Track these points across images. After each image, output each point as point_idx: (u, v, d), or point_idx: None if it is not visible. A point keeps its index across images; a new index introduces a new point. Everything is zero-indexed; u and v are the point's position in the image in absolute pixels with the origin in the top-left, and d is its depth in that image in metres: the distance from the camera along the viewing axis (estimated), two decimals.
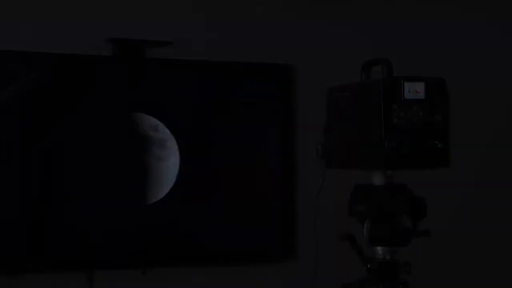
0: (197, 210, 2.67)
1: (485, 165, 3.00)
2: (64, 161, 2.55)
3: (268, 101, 2.74)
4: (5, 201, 2.46)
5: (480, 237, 2.99)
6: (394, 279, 1.62)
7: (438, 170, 1.60)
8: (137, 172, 2.58)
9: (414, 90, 1.57)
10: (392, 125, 1.55)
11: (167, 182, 2.60)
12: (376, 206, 1.59)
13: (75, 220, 2.55)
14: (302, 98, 2.77)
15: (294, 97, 2.75)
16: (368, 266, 1.62)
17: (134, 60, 2.59)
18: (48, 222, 2.52)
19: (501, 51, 3.06)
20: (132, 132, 2.59)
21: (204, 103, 2.69)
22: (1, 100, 2.44)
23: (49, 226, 2.52)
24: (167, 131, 2.61)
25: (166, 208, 2.60)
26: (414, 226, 1.63)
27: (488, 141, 3.01)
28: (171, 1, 2.69)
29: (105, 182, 2.57)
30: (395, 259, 1.63)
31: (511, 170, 3.04)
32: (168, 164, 2.61)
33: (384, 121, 1.54)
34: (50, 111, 2.51)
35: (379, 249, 1.62)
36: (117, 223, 2.59)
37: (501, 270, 3.01)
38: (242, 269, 2.70)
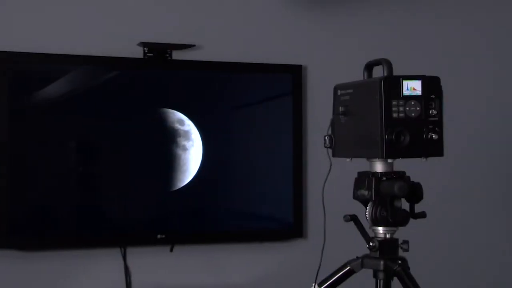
0: (218, 194, 2.67)
1: (475, 154, 2.98)
2: (101, 153, 2.56)
3: (280, 97, 2.73)
4: (52, 188, 2.48)
5: (470, 217, 2.98)
6: (394, 256, 1.61)
7: (433, 158, 1.59)
8: (165, 160, 2.59)
9: (412, 88, 1.55)
10: (392, 119, 1.54)
11: (191, 169, 2.61)
12: (377, 191, 1.59)
13: (112, 203, 2.57)
14: (312, 95, 2.76)
15: (304, 93, 2.75)
16: (370, 244, 1.61)
17: (162, 61, 2.60)
18: (90, 205, 2.54)
19: (492, 51, 3.04)
20: (160, 126, 2.59)
21: (224, 99, 2.69)
22: (45, 98, 2.46)
23: (91, 209, 2.54)
24: (192, 124, 2.61)
25: (191, 193, 2.60)
26: (412, 208, 1.62)
27: (477, 133, 2.99)
28: (194, 8, 2.68)
29: (137, 170, 2.58)
30: (395, 238, 1.62)
31: (498, 159, 3.02)
32: (193, 153, 2.61)
33: (384, 115, 1.54)
34: (88, 107, 2.52)
35: (380, 229, 1.61)
36: (147, 206, 2.60)
37: (490, 246, 3.00)
38: (256, 247, 2.70)
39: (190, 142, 2.60)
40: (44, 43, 2.47)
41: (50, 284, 2.48)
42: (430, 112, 1.56)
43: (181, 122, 2.60)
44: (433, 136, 1.56)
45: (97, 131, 2.53)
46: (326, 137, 1.66)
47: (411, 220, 1.60)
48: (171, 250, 2.59)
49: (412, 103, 1.55)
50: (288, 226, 2.72)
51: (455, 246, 2.95)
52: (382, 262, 1.59)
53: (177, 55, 2.61)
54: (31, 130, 2.45)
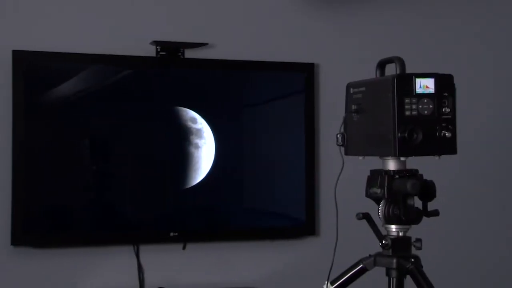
0: (230, 192, 2.67)
1: (488, 152, 2.96)
2: (114, 151, 2.57)
3: (293, 95, 2.73)
4: (66, 186, 2.49)
5: (484, 215, 2.96)
6: (407, 254, 1.60)
7: (446, 156, 1.58)
8: (178, 158, 2.59)
9: (425, 85, 1.54)
10: (405, 117, 1.53)
11: (204, 167, 2.61)
12: (390, 189, 1.58)
13: (125, 201, 2.58)
14: (325, 93, 2.76)
15: (316, 91, 2.74)
16: (383, 242, 1.60)
17: (174, 59, 2.60)
18: (103, 203, 2.55)
19: (503, 49, 3.02)
20: (173, 124, 2.60)
21: (236, 97, 2.69)
22: (59, 96, 2.47)
23: (104, 207, 2.55)
24: (204, 122, 2.61)
25: (203, 191, 2.60)
26: (425, 206, 1.61)
27: (491, 131, 2.97)
28: (206, 6, 2.69)
29: (150, 168, 2.59)
30: (407, 236, 1.61)
31: (509, 156, 3.00)
32: (205, 152, 2.62)
33: (397, 113, 1.53)
34: (101, 106, 2.53)
35: (392, 227, 1.60)
36: (160, 203, 2.61)
37: (503, 244, 2.98)
38: (269, 244, 2.70)
39: (203, 140, 2.60)
40: (58, 42, 2.48)
41: (64, 281, 2.49)
42: (443, 110, 1.55)
43: (194, 120, 2.60)
44: (446, 134, 1.54)
45: (110, 129, 2.54)
46: (338, 135, 1.65)
47: (424, 218, 1.59)
48: (184, 247, 2.60)
49: (425, 101, 1.54)
50: (301, 224, 2.71)
51: (468, 244, 2.93)
52: (395, 260, 1.58)
53: (189, 53, 2.62)
54: (46, 128, 2.47)
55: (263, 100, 2.70)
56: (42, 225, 2.47)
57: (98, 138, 2.54)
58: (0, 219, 2.41)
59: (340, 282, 1.64)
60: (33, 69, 2.44)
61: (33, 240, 2.44)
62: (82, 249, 2.51)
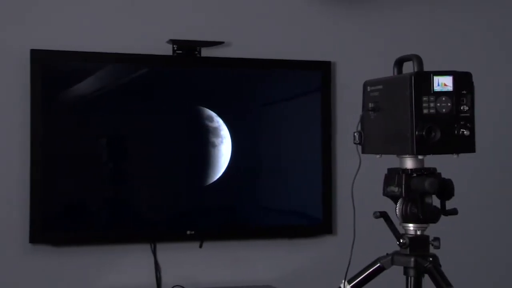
0: (247, 191, 2.68)
1: (507, 150, 2.94)
2: (131, 149, 2.59)
3: (310, 93, 2.73)
4: (84, 184, 2.51)
5: (502, 214, 2.94)
6: (424, 253, 1.60)
7: (464, 155, 1.57)
8: (194, 157, 2.60)
9: (443, 83, 1.54)
10: (423, 115, 1.52)
11: (221, 166, 2.62)
12: (407, 188, 1.57)
13: (142, 199, 2.59)
14: (342, 91, 2.75)
15: (333, 90, 2.74)
16: (401, 241, 1.60)
17: (191, 58, 2.61)
18: (120, 202, 2.57)
19: None
20: (189, 122, 2.61)
21: (253, 96, 2.69)
22: (76, 95, 2.49)
23: (122, 205, 2.57)
24: (221, 120, 2.62)
25: (220, 189, 2.61)
26: (443, 205, 1.60)
27: (508, 129, 2.95)
28: (222, 5, 2.69)
29: (166, 166, 2.60)
30: (425, 235, 1.61)
31: None
32: (222, 150, 2.62)
33: (415, 111, 1.52)
34: (118, 104, 2.55)
35: (410, 225, 1.60)
36: (177, 202, 2.62)
37: None
38: (285, 243, 2.70)
39: (219, 139, 2.61)
40: (76, 41, 2.50)
41: (81, 279, 2.51)
42: (462, 108, 1.54)
43: (210, 119, 2.61)
44: (465, 132, 1.53)
45: (127, 128, 2.55)
46: (355, 134, 1.64)
47: (442, 217, 1.59)
48: (200, 246, 2.60)
49: (443, 99, 1.53)
50: (318, 222, 2.71)
51: (486, 243, 2.91)
52: (412, 259, 1.57)
53: (206, 52, 2.62)
54: (64, 127, 2.49)
55: (279, 98, 2.70)
56: (60, 223, 2.49)
57: (115, 137, 2.56)
58: (18, 217, 2.43)
59: (358, 281, 1.64)
60: (51, 68, 2.46)
61: (51, 238, 2.46)
62: (100, 247, 2.53)
